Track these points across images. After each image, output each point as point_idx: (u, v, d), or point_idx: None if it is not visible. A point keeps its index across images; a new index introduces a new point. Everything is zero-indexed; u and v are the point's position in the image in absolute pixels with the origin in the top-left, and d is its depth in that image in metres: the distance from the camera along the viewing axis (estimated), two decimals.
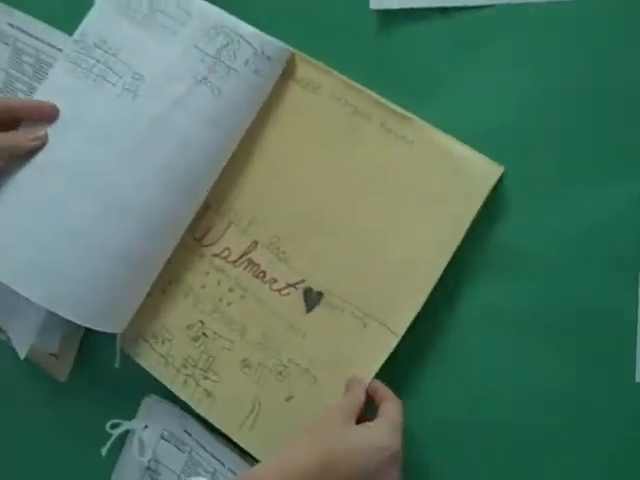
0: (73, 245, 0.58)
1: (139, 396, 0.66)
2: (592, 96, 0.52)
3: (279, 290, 0.59)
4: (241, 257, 0.61)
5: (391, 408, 0.53)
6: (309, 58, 0.59)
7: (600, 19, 0.51)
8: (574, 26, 0.52)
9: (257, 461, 0.58)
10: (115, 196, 0.58)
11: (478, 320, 0.55)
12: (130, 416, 0.67)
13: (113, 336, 0.64)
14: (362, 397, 0.54)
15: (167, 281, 0.63)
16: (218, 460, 0.62)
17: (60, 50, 0.67)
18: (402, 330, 0.55)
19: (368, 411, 0.54)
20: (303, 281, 0.58)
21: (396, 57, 0.58)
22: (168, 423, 0.65)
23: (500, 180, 0.54)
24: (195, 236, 0.62)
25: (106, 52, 0.60)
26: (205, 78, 0.58)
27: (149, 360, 0.63)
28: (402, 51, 0.57)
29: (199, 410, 0.61)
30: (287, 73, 0.60)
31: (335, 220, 0.58)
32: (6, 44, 0.71)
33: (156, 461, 0.66)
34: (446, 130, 0.55)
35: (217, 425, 0.61)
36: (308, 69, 0.59)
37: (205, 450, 0.63)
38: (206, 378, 0.61)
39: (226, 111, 0.59)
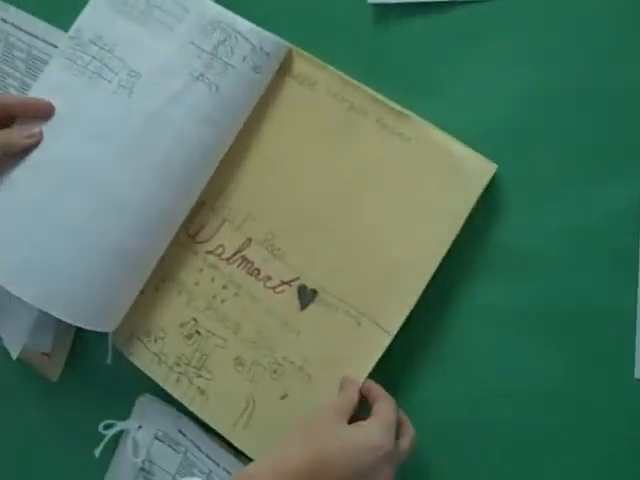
0: (68, 242, 0.57)
1: (133, 395, 0.66)
2: (592, 96, 0.52)
3: (273, 287, 0.59)
4: (235, 254, 0.60)
5: (385, 407, 0.53)
6: (305, 53, 0.59)
7: (600, 19, 0.51)
8: (574, 26, 0.52)
9: (251, 460, 0.57)
10: (111, 193, 0.58)
11: (478, 320, 0.55)
12: (124, 416, 0.66)
13: (106, 335, 0.63)
14: (356, 396, 0.54)
15: (160, 278, 0.62)
16: (213, 460, 0.62)
17: (54, 46, 0.66)
18: (395, 329, 0.54)
19: (362, 411, 0.54)
20: (297, 279, 0.58)
21: (393, 53, 0.57)
22: (162, 423, 0.65)
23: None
24: (189, 233, 0.62)
25: (102, 48, 0.60)
26: (202, 74, 0.58)
27: (142, 358, 0.63)
28: (399, 46, 0.57)
29: (192, 408, 0.61)
30: (283, 69, 0.60)
31: (330, 217, 0.58)
32: None
33: (150, 462, 0.65)
34: (444, 127, 0.55)
35: (210, 423, 0.60)
36: (304, 65, 0.59)
37: (200, 450, 0.63)
38: (199, 376, 0.60)
39: (223, 108, 0.58)
